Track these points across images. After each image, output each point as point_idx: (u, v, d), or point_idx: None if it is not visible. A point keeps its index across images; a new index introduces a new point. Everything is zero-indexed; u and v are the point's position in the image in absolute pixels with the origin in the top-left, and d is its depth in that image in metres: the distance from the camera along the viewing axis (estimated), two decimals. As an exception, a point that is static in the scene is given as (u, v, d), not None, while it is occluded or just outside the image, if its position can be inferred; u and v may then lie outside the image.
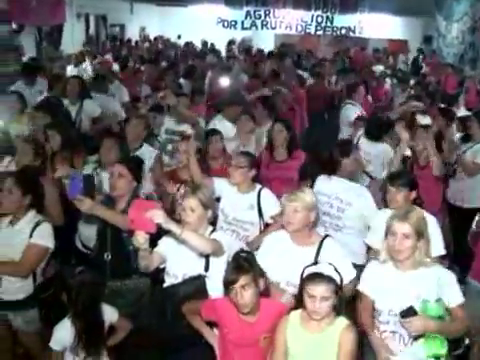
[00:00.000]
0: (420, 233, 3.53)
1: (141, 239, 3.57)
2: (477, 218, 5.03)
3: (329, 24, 19.74)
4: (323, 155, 5.27)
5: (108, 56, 15.05)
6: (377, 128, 6.84)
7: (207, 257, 3.88)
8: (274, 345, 3.48)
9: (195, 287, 3.89)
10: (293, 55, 15.90)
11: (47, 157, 5.38)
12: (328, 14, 19.59)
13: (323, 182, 5.14)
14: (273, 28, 20.05)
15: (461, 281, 3.90)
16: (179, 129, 6.95)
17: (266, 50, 17.03)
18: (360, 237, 4.91)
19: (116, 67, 12.79)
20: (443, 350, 3.44)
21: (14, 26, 14.48)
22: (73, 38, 16.87)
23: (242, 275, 3.39)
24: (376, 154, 6.60)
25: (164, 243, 3.98)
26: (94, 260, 4.63)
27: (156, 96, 8.08)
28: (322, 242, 3.98)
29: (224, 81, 9.88)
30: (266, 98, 7.88)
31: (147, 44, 18.65)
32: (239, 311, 3.48)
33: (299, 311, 3.45)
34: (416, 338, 3.50)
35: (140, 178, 4.69)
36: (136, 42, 18.75)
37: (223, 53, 16.99)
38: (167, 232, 3.79)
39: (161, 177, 5.74)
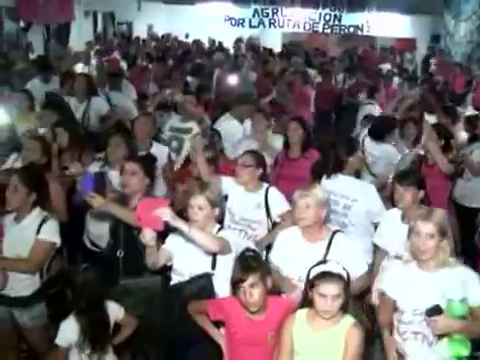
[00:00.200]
0: (443, 232, 3.53)
1: (148, 236, 3.60)
2: None
3: (337, 22, 19.70)
4: (329, 154, 5.25)
5: (115, 54, 15.05)
6: (380, 128, 6.83)
7: (214, 255, 3.88)
8: (280, 343, 3.48)
9: (202, 285, 3.89)
10: (301, 53, 15.87)
11: (53, 154, 5.40)
12: (336, 12, 19.56)
13: (329, 180, 5.13)
14: (281, 26, 20.03)
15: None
16: (184, 126, 6.95)
17: (273, 48, 17.01)
18: (365, 235, 4.91)
19: (124, 65, 12.80)
20: (466, 351, 3.43)
21: (22, 24, 14.55)
22: (81, 36, 16.89)
23: (250, 274, 3.39)
24: (379, 155, 6.59)
25: (171, 241, 3.99)
26: (107, 257, 4.66)
27: (163, 94, 8.11)
28: (332, 237, 3.99)
29: (232, 79, 9.86)
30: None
31: (154, 43, 18.62)
32: (247, 310, 3.48)
33: (305, 310, 3.44)
34: (439, 338, 3.50)
35: (153, 175, 4.69)
36: (143, 40, 18.74)
37: (230, 51, 16.97)
38: (174, 230, 3.80)
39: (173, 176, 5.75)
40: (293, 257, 3.97)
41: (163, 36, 19.64)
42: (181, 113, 7.13)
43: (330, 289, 3.25)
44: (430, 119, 7.60)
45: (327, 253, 3.89)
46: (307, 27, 19.97)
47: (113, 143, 5.25)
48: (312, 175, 5.37)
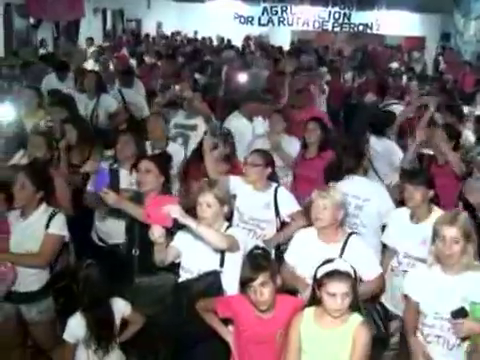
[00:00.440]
0: (468, 236, 3.51)
1: (157, 233, 3.60)
2: None
3: (346, 21, 19.71)
4: (342, 156, 5.23)
5: (124, 51, 15.09)
6: (381, 123, 6.83)
7: (222, 253, 3.87)
8: (287, 341, 3.47)
9: (210, 283, 3.89)
10: (311, 51, 15.85)
11: (62, 151, 5.41)
12: (345, 10, 19.56)
13: (341, 181, 5.12)
14: (290, 24, 20.06)
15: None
16: (188, 123, 6.96)
17: (283, 47, 16.99)
18: (375, 236, 4.89)
19: (133, 62, 12.82)
20: None
21: (32, 21, 14.59)
22: (90, 33, 16.93)
23: (261, 273, 3.38)
24: (381, 151, 6.55)
25: (180, 238, 4.00)
26: (114, 253, 4.66)
27: (173, 89, 8.10)
28: (347, 239, 4.00)
29: (242, 77, 9.84)
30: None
31: (163, 41, 18.66)
32: (256, 308, 3.47)
33: (313, 308, 3.43)
34: (462, 341, 3.51)
35: (168, 173, 4.68)
36: (153, 38, 18.78)
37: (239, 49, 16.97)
38: (183, 227, 3.80)
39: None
40: (308, 257, 3.95)
41: (173, 34, 19.65)
42: (186, 109, 7.13)
43: (339, 288, 3.24)
44: (440, 119, 7.56)
45: (341, 255, 3.89)
46: (316, 25, 20.00)
47: (122, 141, 5.24)
48: (325, 177, 5.36)
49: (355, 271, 3.37)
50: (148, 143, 5.94)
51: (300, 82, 9.52)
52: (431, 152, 5.88)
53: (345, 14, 19.60)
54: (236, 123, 6.85)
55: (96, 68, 11.19)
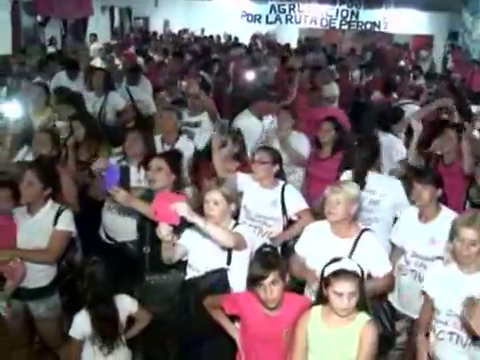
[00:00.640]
0: None
1: (164, 231, 3.60)
2: None
3: (354, 19, 19.64)
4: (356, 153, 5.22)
5: (131, 49, 15.11)
6: (388, 118, 6.83)
7: (229, 251, 3.87)
8: (294, 340, 3.47)
9: (217, 280, 3.89)
10: (318, 49, 15.84)
11: (70, 148, 5.42)
12: (353, 9, 19.49)
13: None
14: (298, 22, 20.01)
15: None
16: (192, 120, 6.96)
17: (290, 44, 16.98)
18: (387, 231, 4.88)
19: (140, 60, 12.82)
20: None
21: (39, 19, 14.62)
22: (98, 31, 16.96)
23: (272, 271, 3.38)
24: (385, 145, 6.53)
25: (187, 236, 4.00)
26: (122, 251, 4.67)
27: (179, 86, 8.11)
28: (360, 235, 3.99)
29: (249, 74, 9.83)
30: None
31: (170, 38, 18.67)
32: (265, 306, 3.48)
33: (320, 307, 3.43)
34: (474, 339, 3.49)
35: (179, 171, 4.68)
36: (160, 36, 18.79)
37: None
38: (190, 225, 3.80)
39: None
40: (319, 250, 3.96)
41: (180, 32, 19.65)
42: (190, 106, 7.14)
43: (345, 287, 3.24)
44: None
45: (353, 250, 3.90)
46: (324, 23, 19.94)
47: (130, 138, 5.24)
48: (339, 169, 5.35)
49: (362, 270, 3.37)
50: (158, 138, 5.95)
51: (307, 80, 9.58)
52: (438, 152, 5.87)
53: (353, 12, 19.54)
54: (246, 122, 6.84)
55: (103, 66, 11.20)
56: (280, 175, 5.10)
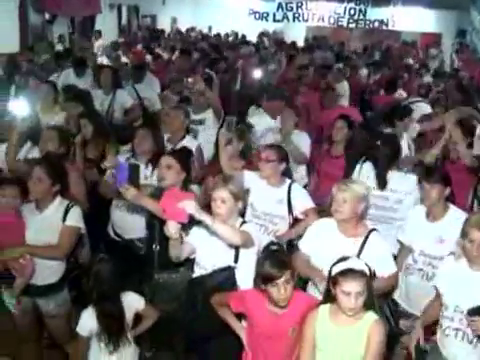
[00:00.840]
0: None
1: (172, 229, 3.60)
2: None
3: (362, 17, 19.55)
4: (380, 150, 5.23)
5: (139, 47, 15.11)
6: (393, 113, 6.85)
7: (237, 249, 3.88)
8: (302, 338, 3.48)
9: (224, 278, 3.90)
10: (326, 48, 15.82)
11: (78, 146, 5.44)
12: (361, 6, 19.41)
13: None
14: (305, 20, 19.93)
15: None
16: (196, 118, 6.97)
17: (297, 42, 16.94)
18: None
19: (148, 58, 12.84)
20: None
21: (47, 16, 14.63)
22: (105, 28, 16.97)
23: (285, 270, 3.38)
24: None
25: (195, 234, 4.01)
26: (130, 248, 4.68)
27: (185, 82, 8.11)
28: (368, 235, 3.99)
29: (257, 72, 9.83)
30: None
31: (177, 36, 18.66)
32: (275, 305, 3.48)
33: (328, 305, 3.44)
34: (479, 338, 3.51)
35: (189, 169, 4.68)
36: (168, 34, 18.80)
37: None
38: (198, 223, 3.81)
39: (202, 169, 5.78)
40: (325, 248, 3.97)
41: (188, 29, 19.65)
42: (193, 103, 7.15)
43: (353, 286, 3.24)
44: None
45: (361, 250, 3.90)
46: (332, 21, 19.87)
47: (140, 136, 5.25)
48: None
49: (370, 269, 3.37)
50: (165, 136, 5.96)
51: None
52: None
53: (360, 10, 19.46)
54: (259, 121, 6.84)
55: (109, 64, 11.22)
56: (287, 173, 5.11)
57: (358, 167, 5.46)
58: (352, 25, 19.92)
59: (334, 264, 3.39)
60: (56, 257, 4.35)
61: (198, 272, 4.03)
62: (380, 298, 3.92)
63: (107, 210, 5.28)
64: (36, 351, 4.73)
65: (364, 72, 12.18)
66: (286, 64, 12.38)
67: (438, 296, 3.83)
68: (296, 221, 4.96)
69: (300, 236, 4.45)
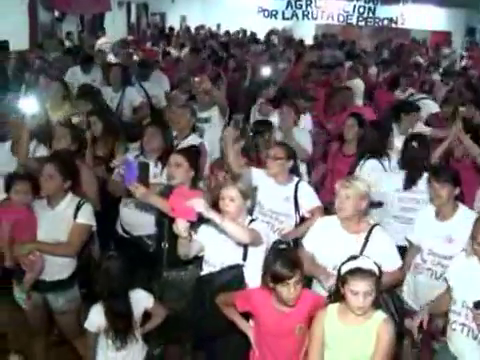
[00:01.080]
0: None
1: (181, 227, 3.59)
2: None
3: (371, 15, 19.49)
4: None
5: (148, 45, 15.13)
6: (399, 107, 6.86)
7: (245, 247, 3.88)
8: (311, 335, 3.49)
9: (233, 276, 3.90)
10: (334, 46, 15.78)
11: (84, 142, 5.46)
12: (370, 4, 19.34)
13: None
14: (314, 18, 19.88)
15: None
16: (201, 116, 6.97)
17: (306, 40, 16.91)
18: None
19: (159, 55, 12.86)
20: None
21: (56, 14, 14.67)
22: (114, 26, 17.00)
23: (297, 270, 3.39)
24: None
25: (203, 232, 4.01)
26: (138, 246, 4.70)
27: (192, 81, 8.13)
28: (371, 230, 3.99)
29: (266, 70, 9.82)
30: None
31: (186, 34, 18.67)
32: (284, 304, 3.48)
33: (336, 304, 3.44)
34: None
35: (198, 167, 4.69)
36: (178, 32, 18.80)
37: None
38: (207, 221, 3.81)
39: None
40: (329, 246, 3.98)
41: (197, 28, 19.65)
42: (198, 102, 7.16)
43: (361, 286, 3.24)
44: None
45: (364, 246, 3.90)
46: (341, 19, 19.82)
47: (149, 133, 5.26)
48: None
49: (379, 268, 3.37)
50: None
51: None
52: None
53: (370, 8, 19.40)
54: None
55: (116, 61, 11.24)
56: (295, 171, 5.11)
57: (361, 163, 5.46)
58: (361, 23, 19.85)
59: (343, 263, 3.39)
60: (66, 254, 4.36)
61: (207, 270, 4.04)
62: (385, 293, 3.92)
63: (116, 207, 5.29)
64: (45, 347, 4.75)
65: (374, 70, 12.14)
66: (294, 62, 12.36)
67: (448, 289, 3.83)
68: (302, 220, 4.96)
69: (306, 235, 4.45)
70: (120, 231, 5.34)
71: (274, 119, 6.64)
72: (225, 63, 11.48)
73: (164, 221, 4.44)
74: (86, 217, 4.37)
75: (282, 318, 3.52)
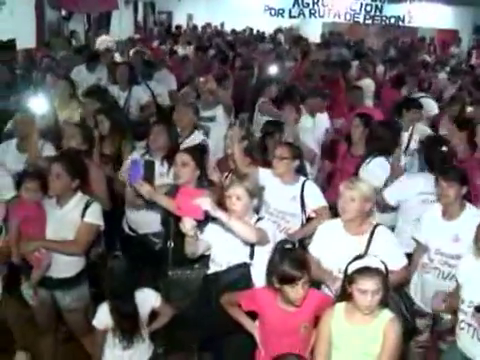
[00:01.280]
0: None
1: (188, 225, 3.59)
2: None
3: (378, 13, 19.50)
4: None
5: (154, 43, 15.13)
6: (401, 103, 6.86)
7: (252, 245, 3.88)
8: (318, 337, 3.49)
9: (240, 275, 3.90)
10: (341, 44, 15.77)
11: (94, 141, 5.47)
12: (377, 3, 19.35)
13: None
14: (321, 16, 19.88)
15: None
16: (206, 115, 6.99)
17: (313, 39, 16.90)
18: None
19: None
20: None
21: (63, 13, 14.68)
22: (121, 25, 17.02)
23: (306, 271, 3.39)
24: None
25: (210, 231, 4.01)
26: (153, 245, 4.76)
27: (196, 81, 8.14)
28: (374, 230, 3.98)
29: (273, 69, 9.82)
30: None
31: (192, 33, 18.68)
32: (291, 303, 3.47)
33: (343, 304, 3.44)
34: None
35: (203, 166, 4.70)
36: (185, 31, 18.82)
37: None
38: (213, 219, 3.81)
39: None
40: (333, 249, 3.97)
41: (203, 26, 19.65)
42: (203, 101, 7.17)
43: (369, 285, 3.24)
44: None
45: (368, 246, 3.89)
46: (348, 17, 19.82)
47: (155, 132, 5.27)
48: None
49: (386, 267, 3.36)
50: None
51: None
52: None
53: (377, 6, 19.40)
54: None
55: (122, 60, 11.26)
56: (301, 171, 5.10)
57: (367, 160, 5.45)
58: (368, 21, 19.85)
59: (350, 263, 3.39)
60: (73, 253, 4.37)
61: (213, 269, 4.04)
62: (394, 292, 3.92)
63: (122, 206, 5.30)
64: (53, 344, 4.77)
65: (381, 69, 12.12)
66: (300, 60, 12.35)
67: (458, 287, 3.84)
68: (309, 220, 4.95)
69: (312, 235, 4.44)
70: (126, 229, 5.34)
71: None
72: (232, 61, 11.48)
73: (170, 220, 4.44)
74: (94, 217, 4.37)
75: (287, 317, 3.53)
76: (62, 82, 7.34)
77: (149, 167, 4.23)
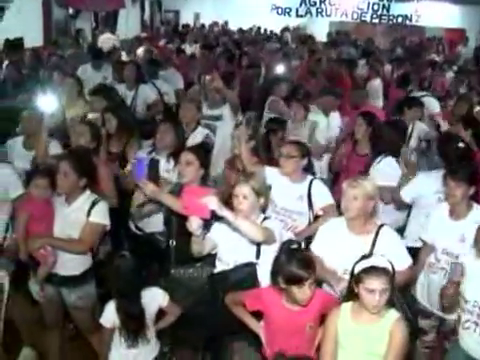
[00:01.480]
0: None
1: (195, 224, 3.60)
2: None
3: (385, 12, 19.49)
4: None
5: (161, 42, 15.14)
6: (403, 101, 6.88)
7: (258, 245, 3.87)
8: (324, 336, 3.49)
9: (246, 274, 3.90)
10: (348, 43, 15.75)
11: (102, 140, 5.48)
12: (384, 2, 19.34)
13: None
14: (328, 15, 19.87)
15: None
16: (213, 113, 6.99)
17: (320, 38, 16.88)
18: None
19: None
20: None
21: (70, 11, 14.72)
22: (128, 23, 17.04)
23: (312, 271, 3.39)
24: None
25: (216, 230, 4.01)
26: (160, 243, 4.77)
27: (202, 79, 8.16)
28: (379, 230, 3.97)
29: (280, 68, 9.81)
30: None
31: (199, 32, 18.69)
32: (297, 303, 3.47)
33: (350, 303, 3.44)
34: None
35: (208, 165, 4.70)
36: (192, 30, 18.82)
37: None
38: (220, 218, 3.81)
39: None
40: (337, 248, 3.97)
41: (211, 25, 19.65)
42: (209, 100, 7.17)
43: (377, 284, 3.23)
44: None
45: (373, 247, 3.88)
46: (355, 16, 19.81)
47: (162, 130, 5.29)
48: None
49: (393, 267, 3.35)
50: None
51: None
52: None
53: (384, 5, 19.39)
54: (312, 117, 6.83)
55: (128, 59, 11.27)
56: (309, 169, 5.09)
57: (377, 160, 5.43)
58: (375, 20, 19.83)
59: (357, 262, 3.38)
60: (77, 251, 4.38)
61: (220, 268, 4.04)
62: (400, 293, 3.91)
63: (129, 204, 5.30)
64: (59, 341, 4.78)
65: (388, 68, 12.10)
66: (307, 59, 12.34)
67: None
68: (316, 218, 4.94)
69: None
70: (133, 228, 5.34)
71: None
72: (238, 60, 11.47)
73: (172, 219, 4.45)
74: (99, 216, 4.37)
75: (292, 316, 3.53)
76: (69, 80, 7.36)
77: (154, 166, 4.23)
